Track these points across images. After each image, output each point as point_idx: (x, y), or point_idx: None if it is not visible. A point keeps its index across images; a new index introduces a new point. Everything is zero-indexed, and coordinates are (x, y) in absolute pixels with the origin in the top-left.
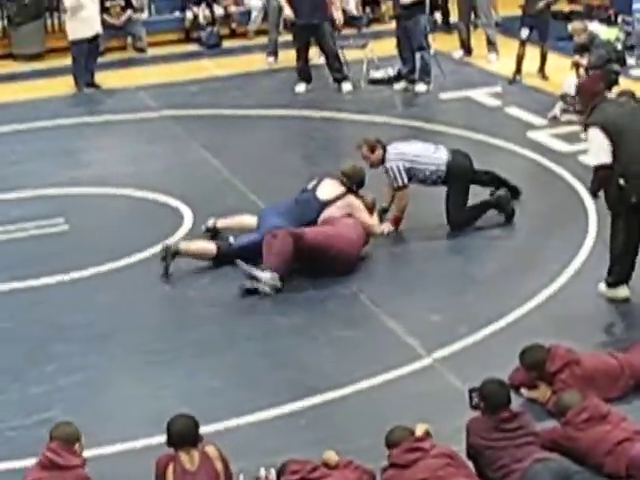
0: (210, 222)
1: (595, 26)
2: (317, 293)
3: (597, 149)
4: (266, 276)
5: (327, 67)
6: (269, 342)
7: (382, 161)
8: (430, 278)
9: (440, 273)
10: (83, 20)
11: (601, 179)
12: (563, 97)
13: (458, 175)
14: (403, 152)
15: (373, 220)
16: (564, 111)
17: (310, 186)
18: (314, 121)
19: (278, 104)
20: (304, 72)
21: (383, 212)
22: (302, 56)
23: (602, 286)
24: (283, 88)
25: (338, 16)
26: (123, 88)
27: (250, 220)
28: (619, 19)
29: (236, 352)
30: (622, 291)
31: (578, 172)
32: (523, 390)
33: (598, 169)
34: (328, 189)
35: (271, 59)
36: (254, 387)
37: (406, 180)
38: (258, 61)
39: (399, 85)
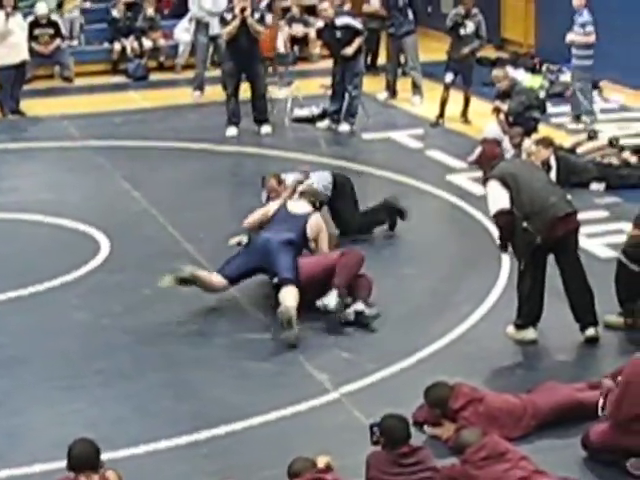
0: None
1: (520, 73)
2: (228, 325)
3: (494, 197)
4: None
5: (252, 106)
6: (176, 372)
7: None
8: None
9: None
10: (10, 46)
11: (504, 225)
12: (483, 142)
13: (344, 185)
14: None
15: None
16: None
17: (277, 208)
18: (237, 157)
19: (202, 138)
20: (236, 115)
21: None
22: (235, 96)
23: (510, 328)
24: (208, 123)
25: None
26: (48, 116)
27: (216, 280)
28: (544, 67)
29: (143, 381)
30: (529, 333)
31: None
32: (426, 427)
33: (498, 216)
34: (298, 205)
35: (197, 93)
36: (158, 416)
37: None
38: (184, 95)
39: (322, 124)
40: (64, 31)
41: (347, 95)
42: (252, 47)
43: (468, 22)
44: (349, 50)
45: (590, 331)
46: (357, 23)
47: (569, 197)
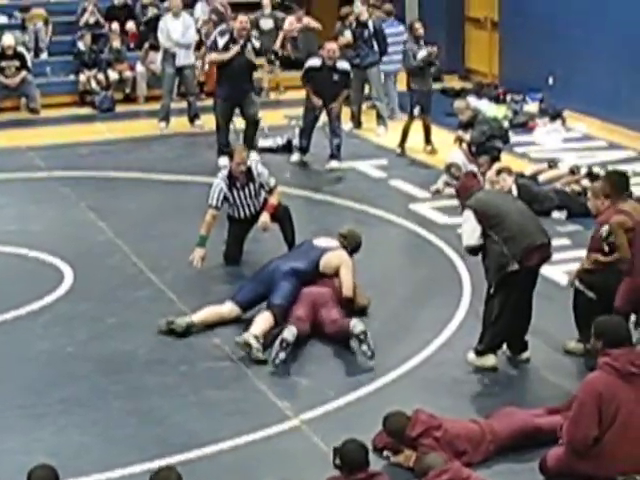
0: (187, 319)
1: (484, 104)
2: (191, 354)
3: (466, 229)
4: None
5: (244, 135)
6: (139, 400)
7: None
8: (302, 342)
9: (313, 338)
10: None
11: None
12: (448, 168)
13: None
14: None
15: (352, 285)
16: (447, 184)
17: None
18: (202, 187)
19: (168, 169)
20: (227, 144)
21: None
22: (227, 126)
23: (471, 354)
24: (173, 154)
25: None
26: (13, 148)
27: (226, 309)
28: (508, 98)
29: (106, 409)
30: (490, 360)
31: (456, 244)
32: (387, 453)
33: (466, 249)
34: (325, 240)
35: (163, 124)
36: (121, 443)
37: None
38: (150, 126)
39: (294, 157)
40: (30, 63)
41: (332, 133)
42: (248, 76)
43: (419, 51)
44: (336, 106)
45: (527, 354)
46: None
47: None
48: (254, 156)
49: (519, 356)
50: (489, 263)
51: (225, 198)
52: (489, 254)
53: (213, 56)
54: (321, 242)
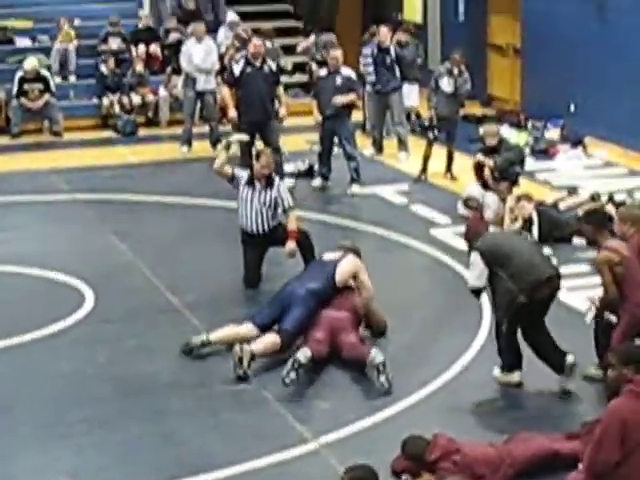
0: (203, 337)
1: (505, 129)
2: (210, 377)
3: (475, 272)
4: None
5: None
6: (158, 422)
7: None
8: (322, 366)
9: (332, 362)
10: None
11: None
12: (465, 201)
13: None
14: None
15: (370, 286)
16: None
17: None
18: (223, 212)
19: (189, 193)
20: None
21: None
22: (250, 153)
23: (496, 371)
24: (195, 178)
25: (282, 112)
26: (36, 170)
27: (245, 330)
28: (529, 124)
29: (125, 431)
30: (515, 377)
31: None
32: (406, 477)
33: (471, 290)
34: (331, 254)
35: (185, 148)
36: (140, 465)
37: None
38: (172, 150)
39: (316, 182)
40: (52, 86)
41: (346, 157)
42: (267, 100)
43: (449, 79)
44: (340, 99)
45: (570, 358)
46: (357, 82)
47: (554, 260)
48: (287, 183)
49: (563, 372)
50: (498, 301)
51: (237, 178)
52: (497, 292)
53: (224, 91)
54: (329, 256)
